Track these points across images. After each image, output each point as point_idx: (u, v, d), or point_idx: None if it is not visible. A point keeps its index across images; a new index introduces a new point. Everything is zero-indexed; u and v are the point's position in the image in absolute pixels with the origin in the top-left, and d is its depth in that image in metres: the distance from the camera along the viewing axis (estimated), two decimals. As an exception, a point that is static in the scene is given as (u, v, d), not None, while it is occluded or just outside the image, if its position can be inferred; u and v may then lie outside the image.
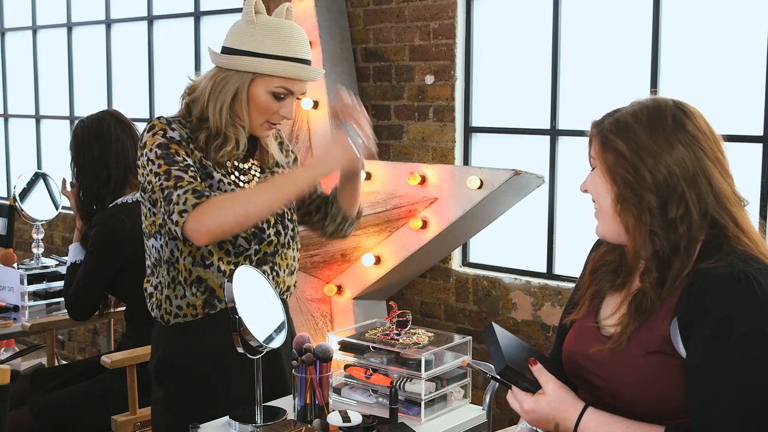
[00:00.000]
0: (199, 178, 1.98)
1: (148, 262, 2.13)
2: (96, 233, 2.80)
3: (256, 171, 2.15)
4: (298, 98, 2.08)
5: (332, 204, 2.26)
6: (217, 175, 2.04)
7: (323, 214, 2.28)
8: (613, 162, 1.50)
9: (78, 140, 2.94)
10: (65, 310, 3.05)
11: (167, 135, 1.99)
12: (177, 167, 1.95)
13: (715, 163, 1.48)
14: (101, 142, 2.90)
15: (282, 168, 2.21)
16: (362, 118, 1.98)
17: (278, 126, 2.11)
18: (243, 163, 2.12)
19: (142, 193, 2.06)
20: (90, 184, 2.90)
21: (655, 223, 1.47)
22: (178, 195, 1.91)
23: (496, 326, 1.58)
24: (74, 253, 2.97)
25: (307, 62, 2.03)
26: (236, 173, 2.09)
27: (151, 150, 1.98)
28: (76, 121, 3.02)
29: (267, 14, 2.04)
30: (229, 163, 2.08)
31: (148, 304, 2.13)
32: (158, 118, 2.05)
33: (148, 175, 1.98)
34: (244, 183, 2.10)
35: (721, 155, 1.50)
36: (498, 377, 1.53)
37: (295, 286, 2.21)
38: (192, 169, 1.97)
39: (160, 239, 2.06)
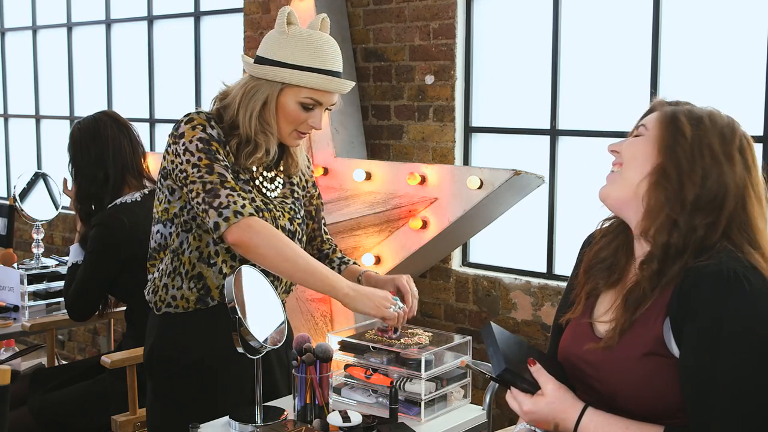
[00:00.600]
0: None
1: (150, 246, 2.15)
2: (95, 234, 2.80)
3: (279, 182, 2.17)
4: (328, 109, 2.09)
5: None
6: (243, 177, 2.06)
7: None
8: (671, 138, 1.49)
9: (75, 142, 2.93)
10: (65, 310, 3.05)
11: (207, 131, 2.01)
12: (219, 164, 1.97)
13: (757, 197, 1.48)
14: (98, 142, 2.90)
15: (302, 189, 2.23)
16: (414, 304, 2.06)
17: (306, 137, 2.12)
18: (267, 172, 2.14)
19: (162, 180, 2.07)
20: (88, 185, 2.90)
21: (682, 215, 1.46)
22: (228, 194, 1.93)
23: (494, 326, 1.58)
24: (75, 253, 2.97)
25: (337, 74, 2.03)
26: (260, 178, 2.11)
27: (191, 141, 1.99)
28: (75, 123, 3.02)
29: (301, 25, 2.06)
30: (255, 169, 2.10)
31: (146, 287, 2.15)
32: (197, 112, 2.06)
33: (182, 164, 1.98)
34: (267, 191, 2.12)
35: (763, 194, 1.50)
36: (497, 378, 1.53)
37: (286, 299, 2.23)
38: (230, 171, 2.00)
39: (170, 227, 2.07)
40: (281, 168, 2.18)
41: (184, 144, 1.99)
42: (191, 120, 2.02)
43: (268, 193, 2.12)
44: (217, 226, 1.92)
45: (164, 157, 2.05)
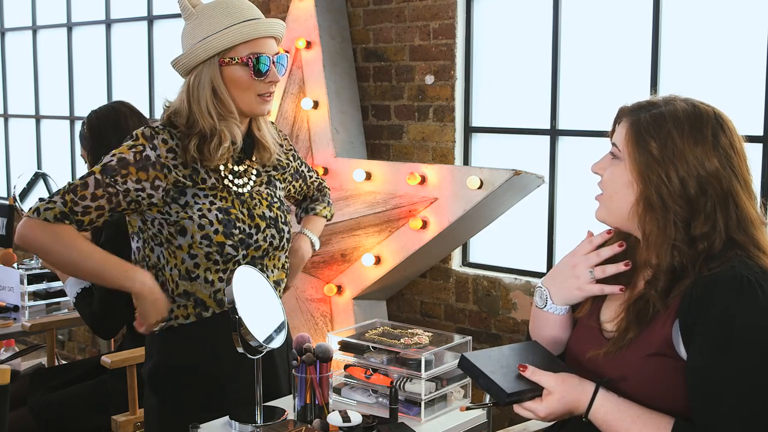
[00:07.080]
0: (112, 211, 1.93)
1: (132, 261, 2.11)
2: (107, 237, 2.77)
3: (252, 174, 2.11)
4: (275, 62, 2.01)
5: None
6: (210, 181, 2.01)
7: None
8: (644, 162, 1.47)
9: (94, 130, 2.87)
10: (65, 310, 3.04)
11: (144, 153, 1.94)
12: (95, 191, 1.91)
13: (743, 186, 1.47)
14: (119, 131, 2.84)
15: (282, 170, 2.20)
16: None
17: (271, 97, 2.04)
18: (238, 166, 2.08)
19: None
20: None
21: (678, 238, 1.45)
22: (53, 199, 1.91)
23: (469, 356, 1.56)
24: (74, 284, 2.93)
25: (260, 20, 1.99)
26: (230, 176, 2.05)
27: (113, 155, 1.95)
28: (89, 112, 2.96)
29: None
30: (222, 167, 2.04)
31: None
32: (144, 128, 2.01)
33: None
34: (238, 186, 2.06)
35: (749, 176, 1.49)
36: (503, 405, 1.53)
37: (284, 280, 2.20)
38: (116, 198, 1.92)
39: (138, 241, 2.05)
40: (254, 159, 2.11)
41: (113, 154, 1.95)
42: (136, 137, 1.98)
43: (239, 189, 2.06)
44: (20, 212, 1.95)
45: None
